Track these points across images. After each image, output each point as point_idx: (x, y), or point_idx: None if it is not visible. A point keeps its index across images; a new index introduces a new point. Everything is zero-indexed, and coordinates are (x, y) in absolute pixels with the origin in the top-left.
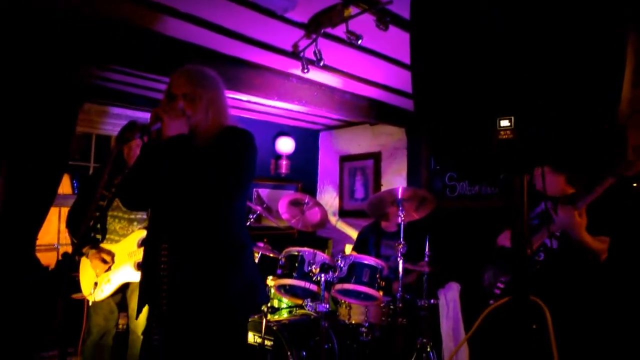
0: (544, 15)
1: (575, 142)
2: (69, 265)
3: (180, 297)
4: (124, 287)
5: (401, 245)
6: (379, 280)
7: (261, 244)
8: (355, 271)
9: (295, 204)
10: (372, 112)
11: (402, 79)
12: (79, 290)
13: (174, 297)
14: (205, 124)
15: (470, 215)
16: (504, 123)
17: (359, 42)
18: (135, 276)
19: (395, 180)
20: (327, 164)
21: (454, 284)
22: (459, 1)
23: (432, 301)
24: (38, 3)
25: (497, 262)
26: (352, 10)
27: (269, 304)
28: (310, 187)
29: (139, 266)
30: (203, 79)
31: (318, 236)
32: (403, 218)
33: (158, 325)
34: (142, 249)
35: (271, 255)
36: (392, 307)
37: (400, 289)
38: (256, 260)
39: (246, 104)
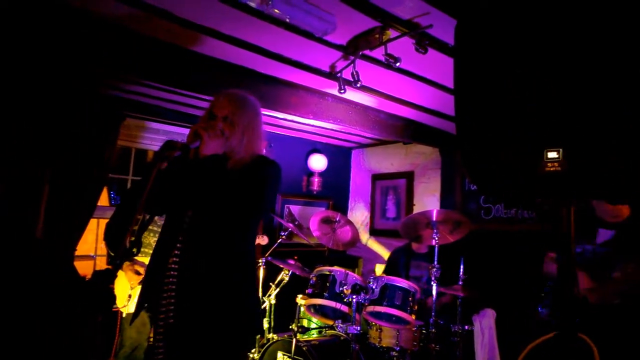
0: (598, 46)
1: (628, 177)
2: (109, 281)
3: (189, 309)
4: None
5: (434, 269)
6: (411, 304)
7: (292, 261)
8: (387, 293)
9: (326, 221)
10: (407, 132)
11: (438, 100)
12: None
13: (182, 308)
14: (239, 148)
15: (506, 239)
16: (552, 155)
17: (397, 64)
18: None
19: (428, 200)
20: (358, 182)
21: (490, 311)
22: (507, 27)
23: (466, 327)
24: (86, 19)
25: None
26: (391, 33)
27: (298, 324)
28: (341, 205)
29: None
30: (244, 104)
31: (348, 255)
32: (437, 241)
33: (164, 336)
34: None
35: (301, 275)
36: (424, 331)
37: (433, 313)
38: (286, 279)
39: (280, 121)
